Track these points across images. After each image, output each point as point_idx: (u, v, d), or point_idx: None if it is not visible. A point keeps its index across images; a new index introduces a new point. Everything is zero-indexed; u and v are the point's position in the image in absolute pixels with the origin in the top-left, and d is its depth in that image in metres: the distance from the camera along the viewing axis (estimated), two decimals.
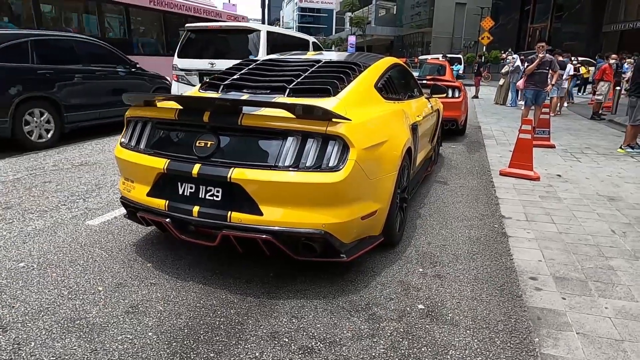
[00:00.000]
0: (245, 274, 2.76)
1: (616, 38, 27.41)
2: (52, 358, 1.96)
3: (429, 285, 2.71)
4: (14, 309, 2.32)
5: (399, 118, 3.32)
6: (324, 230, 2.39)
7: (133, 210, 2.81)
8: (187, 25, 8.74)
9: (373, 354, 2.05)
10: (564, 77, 12.09)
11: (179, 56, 8.11)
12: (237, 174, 2.37)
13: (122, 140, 2.92)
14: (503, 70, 15.40)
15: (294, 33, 11.01)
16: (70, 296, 2.46)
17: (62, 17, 10.13)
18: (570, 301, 2.53)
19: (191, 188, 2.54)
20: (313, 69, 3.22)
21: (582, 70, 17.41)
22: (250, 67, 3.47)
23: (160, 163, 2.58)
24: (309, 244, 2.47)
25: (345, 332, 2.22)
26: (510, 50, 27.21)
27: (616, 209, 4.22)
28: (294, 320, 2.30)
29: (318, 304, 2.46)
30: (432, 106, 4.94)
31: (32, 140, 6.09)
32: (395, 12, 65.84)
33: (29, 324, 2.19)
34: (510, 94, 14.52)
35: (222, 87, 3.13)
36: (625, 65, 12.95)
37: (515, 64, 13.70)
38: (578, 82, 17.74)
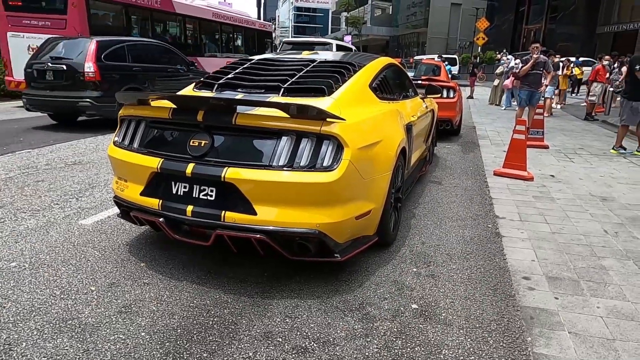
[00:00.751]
0: (239, 274, 2.75)
1: (610, 39, 27.62)
2: (43, 358, 1.95)
3: (423, 285, 2.72)
4: (5, 309, 2.30)
5: (394, 118, 3.33)
6: (318, 230, 2.39)
7: (126, 209, 2.80)
8: (284, 40, 12.30)
9: (366, 354, 2.05)
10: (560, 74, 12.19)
11: None
12: (231, 173, 2.37)
13: (116, 139, 2.90)
14: (498, 71, 15.47)
15: (349, 44, 16.34)
16: (62, 296, 2.44)
17: (151, 27, 13.15)
18: (562, 301, 2.55)
19: (185, 187, 2.53)
20: (308, 68, 3.21)
21: (576, 71, 17.52)
22: (245, 66, 3.46)
23: (153, 162, 2.57)
24: (303, 243, 2.47)
25: (339, 331, 2.22)
26: (504, 50, 27.34)
27: (609, 209, 4.25)
28: (287, 320, 2.30)
29: (312, 304, 2.46)
30: (426, 106, 4.95)
31: None
32: (391, 13, 66.01)
33: (21, 324, 2.18)
34: (505, 94, 14.59)
35: (216, 86, 3.11)
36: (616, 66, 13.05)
37: (510, 65, 13.78)
38: (571, 82, 17.84)
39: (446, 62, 15.55)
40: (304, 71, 3.14)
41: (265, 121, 2.41)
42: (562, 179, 5.36)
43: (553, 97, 12.38)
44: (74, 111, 7.91)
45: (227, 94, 2.97)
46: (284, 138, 2.41)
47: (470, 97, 17.43)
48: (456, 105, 8.04)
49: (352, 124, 2.53)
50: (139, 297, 2.46)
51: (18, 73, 9.68)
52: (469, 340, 2.18)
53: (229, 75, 3.24)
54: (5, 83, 11.07)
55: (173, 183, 2.56)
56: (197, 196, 2.49)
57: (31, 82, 7.86)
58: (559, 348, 2.12)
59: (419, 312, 2.42)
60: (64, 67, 7.47)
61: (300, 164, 2.37)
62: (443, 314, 2.40)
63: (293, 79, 2.98)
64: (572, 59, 16.30)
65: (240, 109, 2.44)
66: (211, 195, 2.46)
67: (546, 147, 7.38)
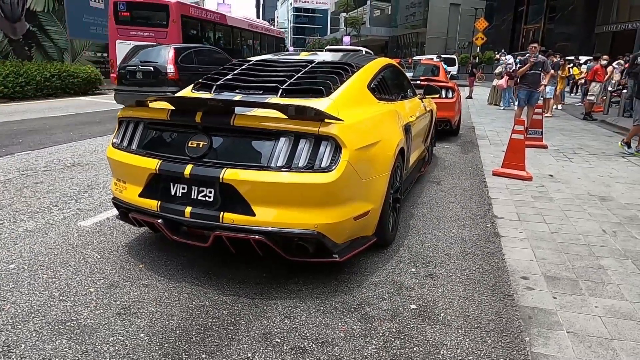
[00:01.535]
0: (238, 275, 2.75)
1: (608, 39, 27.66)
2: None
3: (422, 285, 2.72)
4: (4, 311, 2.30)
5: (392, 119, 3.33)
6: (317, 231, 2.39)
7: (125, 211, 2.80)
8: (327, 47, 16.03)
9: (365, 354, 2.06)
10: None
11: None
12: (229, 174, 2.37)
13: (114, 140, 2.90)
14: (496, 71, 15.49)
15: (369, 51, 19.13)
16: (61, 298, 2.44)
17: (213, 36, 17.59)
18: (561, 300, 2.55)
19: (183, 189, 2.53)
20: (306, 69, 3.22)
21: (574, 71, 17.54)
22: (244, 67, 3.46)
23: (152, 164, 2.57)
24: (301, 244, 2.47)
25: (337, 332, 2.22)
26: (503, 51, 27.36)
27: (607, 209, 4.25)
28: (286, 321, 2.30)
29: (311, 305, 2.46)
30: (425, 107, 4.95)
31: None
32: (389, 13, 66.03)
33: (19, 326, 2.18)
34: (506, 94, 14.60)
35: (214, 87, 3.12)
36: (616, 65, 13.07)
37: (508, 63, 13.80)
38: (569, 82, 17.86)
39: (443, 62, 15.60)
40: (302, 72, 3.15)
41: (263, 122, 2.41)
42: (561, 179, 5.37)
43: (553, 97, 12.40)
44: None
45: (226, 95, 2.97)
46: (282, 139, 2.42)
47: (469, 97, 17.43)
48: (455, 106, 8.05)
49: (350, 124, 2.54)
50: (137, 299, 2.46)
51: None
52: (467, 340, 2.19)
53: (227, 77, 3.24)
54: (110, 78, 14.40)
55: (171, 184, 2.56)
56: (195, 197, 2.49)
57: (122, 80, 10.04)
58: (557, 348, 2.13)
59: (417, 312, 2.42)
60: (152, 68, 9.72)
61: (299, 165, 2.37)
62: (441, 314, 2.40)
63: (291, 80, 2.99)
64: (583, 58, 16.14)
65: (238, 110, 2.45)
66: (210, 197, 2.47)
67: (545, 146, 7.39)
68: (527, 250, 3.25)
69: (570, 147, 7.61)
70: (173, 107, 2.60)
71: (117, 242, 3.20)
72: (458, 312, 2.43)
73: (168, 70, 9.65)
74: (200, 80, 3.31)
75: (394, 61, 4.71)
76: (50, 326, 2.18)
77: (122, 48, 13.10)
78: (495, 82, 15.12)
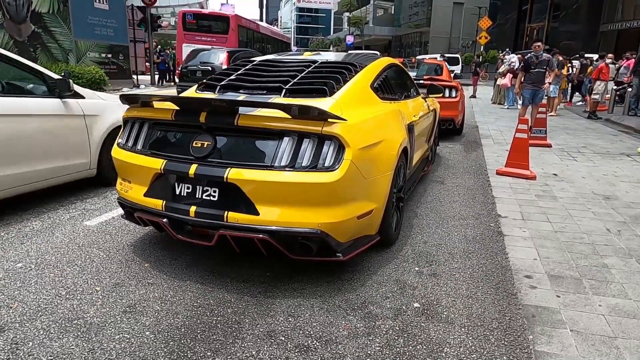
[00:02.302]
0: (243, 274, 2.77)
1: (613, 37, 27.50)
2: (49, 358, 1.97)
3: (425, 283, 2.73)
4: (12, 309, 2.34)
5: (395, 118, 3.34)
6: (320, 230, 2.41)
7: (130, 210, 2.83)
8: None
9: (369, 352, 2.07)
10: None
11: None
12: (233, 174, 2.39)
13: (119, 140, 2.93)
14: (500, 70, 15.43)
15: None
16: (68, 296, 2.47)
17: (252, 41, 22.47)
18: (564, 299, 2.56)
19: (188, 188, 2.55)
20: (309, 69, 3.23)
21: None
22: (247, 67, 3.48)
23: (157, 163, 2.60)
24: (305, 243, 2.48)
25: (341, 330, 2.24)
26: (507, 49, 27.27)
27: (611, 208, 4.24)
28: (290, 319, 2.32)
29: (314, 303, 2.48)
30: (428, 106, 4.96)
31: None
32: (393, 12, 65.94)
33: (27, 324, 2.21)
34: (510, 93, 14.55)
35: (218, 87, 3.14)
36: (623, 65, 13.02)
37: (511, 62, 13.75)
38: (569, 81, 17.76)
39: (447, 61, 15.58)
40: (305, 72, 3.16)
41: (267, 122, 2.43)
42: (565, 178, 5.35)
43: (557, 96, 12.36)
44: None
45: (230, 96, 2.99)
46: (286, 139, 2.43)
47: (473, 96, 17.40)
48: (458, 105, 8.04)
49: (354, 124, 2.55)
50: (143, 297, 2.49)
51: None
52: (470, 338, 2.19)
53: (231, 77, 3.26)
54: (177, 76, 16.26)
55: (176, 184, 2.58)
56: (200, 197, 2.51)
57: (184, 77, 12.08)
58: (560, 346, 2.13)
59: (420, 310, 2.43)
60: (210, 68, 11.48)
61: (302, 165, 2.39)
62: (445, 313, 2.41)
63: (295, 80, 3.00)
64: (595, 56, 15.98)
65: (242, 110, 2.46)
66: (214, 196, 2.49)
67: (549, 145, 7.37)
68: (530, 249, 3.25)
69: (575, 146, 7.59)
70: (177, 108, 2.62)
71: (123, 242, 3.23)
72: (461, 310, 2.44)
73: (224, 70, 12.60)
74: (205, 81, 3.33)
75: (397, 60, 4.71)
76: (57, 324, 2.21)
77: (187, 50, 15.47)
78: (500, 81, 15.08)
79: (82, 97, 4.21)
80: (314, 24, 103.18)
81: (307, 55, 3.91)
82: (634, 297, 2.59)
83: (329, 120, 2.39)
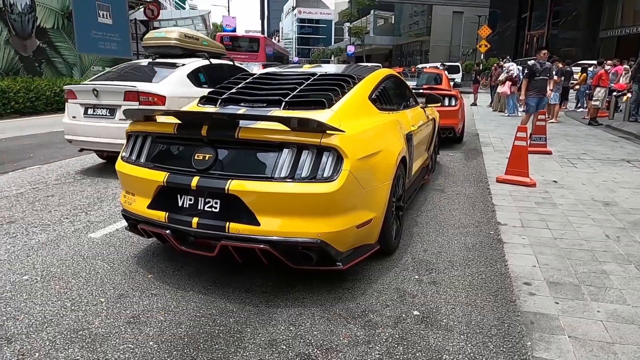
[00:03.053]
0: (244, 284, 2.81)
1: (613, 44, 27.59)
2: None
3: (425, 291, 2.76)
4: (18, 320, 2.38)
5: (393, 128, 3.40)
6: (320, 239, 2.45)
7: (134, 222, 2.88)
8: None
9: None
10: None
11: None
12: (234, 185, 2.44)
13: (123, 154, 2.99)
14: (501, 78, 15.50)
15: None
16: (73, 307, 2.52)
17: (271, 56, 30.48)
18: (563, 305, 2.58)
19: (190, 200, 2.61)
20: (308, 82, 3.30)
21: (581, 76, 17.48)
22: (248, 81, 3.55)
23: (160, 176, 2.65)
24: (305, 253, 2.53)
25: (341, 338, 2.27)
26: (507, 57, 27.40)
27: (611, 214, 4.27)
28: (291, 328, 2.35)
29: (315, 312, 2.51)
30: (427, 115, 5.01)
31: None
32: (393, 22, 66.46)
33: (33, 335, 2.25)
34: (510, 101, 14.61)
35: (219, 101, 3.21)
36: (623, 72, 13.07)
37: (510, 70, 13.83)
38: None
39: (447, 70, 15.68)
40: (304, 85, 3.23)
41: (267, 134, 2.49)
42: (565, 185, 5.38)
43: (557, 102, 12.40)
44: None
45: (230, 109, 3.06)
46: (286, 150, 2.49)
47: (474, 104, 17.46)
48: (458, 113, 8.09)
49: (352, 135, 2.61)
50: (147, 308, 2.53)
51: None
52: (469, 345, 2.22)
53: (232, 90, 3.33)
54: None
55: (179, 196, 2.64)
56: (202, 208, 2.56)
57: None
58: (558, 352, 2.15)
59: (420, 318, 2.46)
60: None
61: (302, 176, 2.44)
62: (444, 320, 2.44)
63: (294, 93, 3.07)
64: (594, 62, 16.09)
65: (242, 123, 2.52)
66: (215, 207, 2.54)
67: (549, 152, 7.40)
68: (530, 256, 3.28)
69: (575, 152, 7.62)
70: (179, 121, 2.68)
71: (127, 253, 3.28)
72: (460, 318, 2.46)
73: None
74: (206, 95, 3.40)
75: (395, 71, 4.78)
76: (63, 335, 2.25)
77: None
78: (500, 88, 15.15)
79: None
80: (315, 35, 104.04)
81: (307, 68, 3.99)
82: (632, 303, 2.61)
83: (328, 132, 2.44)
